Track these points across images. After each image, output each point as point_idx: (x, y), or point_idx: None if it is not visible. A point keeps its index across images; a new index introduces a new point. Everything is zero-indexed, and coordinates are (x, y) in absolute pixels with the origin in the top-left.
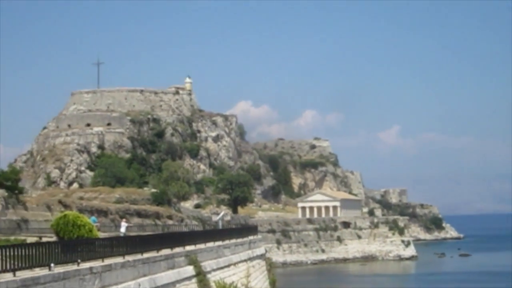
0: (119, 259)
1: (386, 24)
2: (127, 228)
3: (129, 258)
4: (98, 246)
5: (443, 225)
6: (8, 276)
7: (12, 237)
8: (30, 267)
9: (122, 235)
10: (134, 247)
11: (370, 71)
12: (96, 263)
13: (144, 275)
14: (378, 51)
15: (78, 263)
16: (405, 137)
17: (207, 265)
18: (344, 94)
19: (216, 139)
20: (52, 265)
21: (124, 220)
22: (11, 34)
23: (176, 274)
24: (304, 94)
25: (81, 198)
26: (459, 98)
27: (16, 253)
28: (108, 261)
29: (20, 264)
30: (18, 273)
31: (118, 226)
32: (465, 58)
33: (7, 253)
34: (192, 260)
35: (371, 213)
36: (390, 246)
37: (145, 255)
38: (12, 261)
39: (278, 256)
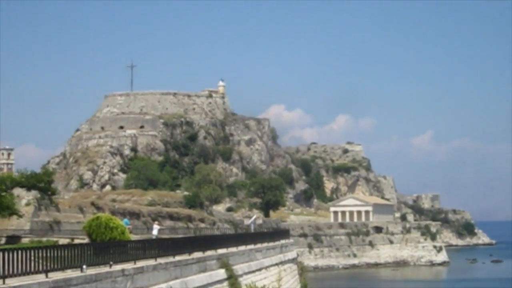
0: (151, 262)
1: (426, 29)
2: (159, 230)
3: (161, 260)
4: (130, 248)
5: (475, 231)
6: (41, 277)
7: (44, 239)
8: (62, 268)
9: (154, 237)
10: (166, 249)
11: (401, 77)
12: (128, 265)
13: (176, 278)
14: (408, 57)
15: (110, 265)
16: (438, 143)
17: (238, 268)
18: (378, 99)
19: (249, 142)
20: (84, 266)
21: (156, 222)
22: (46, 37)
23: (207, 277)
24: (338, 99)
25: (114, 201)
26: (492, 103)
27: (48, 254)
28: (140, 264)
29: (52, 266)
30: (50, 274)
31: (150, 229)
32: (497, 64)
33: (40, 254)
34: (224, 263)
35: (403, 218)
36: (422, 252)
37: (177, 258)
38: (44, 262)
39: (309, 260)
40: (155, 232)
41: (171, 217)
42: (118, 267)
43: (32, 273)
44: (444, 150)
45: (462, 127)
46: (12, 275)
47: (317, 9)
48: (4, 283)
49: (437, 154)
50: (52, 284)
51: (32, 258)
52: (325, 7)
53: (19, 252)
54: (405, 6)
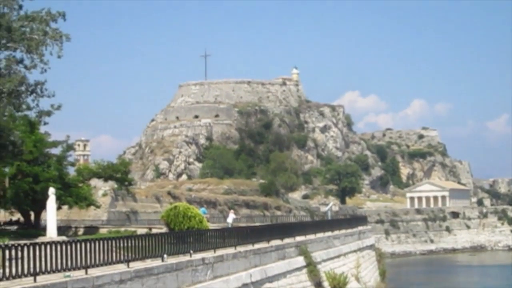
0: (230, 250)
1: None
2: (234, 219)
3: (240, 249)
4: (209, 237)
5: None
6: (122, 267)
7: (122, 229)
8: (143, 258)
9: (229, 225)
10: (245, 238)
11: (479, 60)
12: (208, 254)
13: (255, 266)
14: (486, 40)
15: (191, 254)
16: None
17: (317, 255)
18: (452, 83)
19: (324, 129)
20: (165, 256)
21: (232, 211)
22: (119, 27)
23: (286, 265)
24: (412, 83)
25: (190, 190)
26: None
27: (128, 244)
28: (219, 252)
29: (133, 255)
30: (131, 264)
31: (226, 217)
32: None
33: (120, 244)
34: (302, 250)
35: (479, 203)
36: (499, 236)
37: (256, 246)
38: (125, 252)
39: (386, 247)
40: (229, 220)
41: (247, 205)
42: (198, 256)
43: (114, 263)
44: None
45: None
46: (94, 265)
47: None
48: (86, 273)
49: None
50: (134, 273)
51: (113, 248)
52: None
53: (100, 242)
54: None
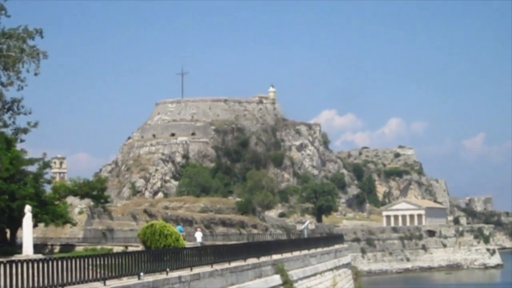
0: (207, 268)
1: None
2: (202, 237)
3: (217, 267)
4: (186, 255)
5: None
6: (99, 285)
7: (99, 247)
8: (119, 276)
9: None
10: (221, 256)
11: (455, 80)
12: (184, 272)
13: (232, 284)
14: (463, 60)
15: (167, 272)
16: (490, 145)
17: (293, 274)
18: (429, 102)
19: (300, 148)
20: (141, 274)
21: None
22: (96, 43)
23: (263, 283)
24: (389, 102)
25: (166, 208)
26: None
27: (105, 262)
28: (196, 270)
29: (109, 273)
30: (108, 282)
31: (203, 236)
32: None
33: (97, 262)
34: (279, 268)
35: (456, 221)
36: (475, 255)
37: (233, 264)
38: (101, 270)
39: (363, 265)
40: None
41: (223, 223)
42: (174, 274)
43: (90, 281)
44: (496, 152)
45: None
46: (71, 283)
47: (378, 11)
48: None
49: (489, 157)
50: None
51: (90, 266)
52: (383, 7)
53: (77, 260)
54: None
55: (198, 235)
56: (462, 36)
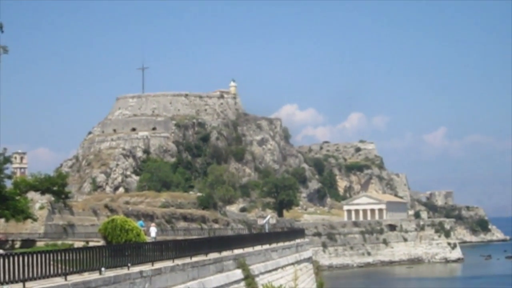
0: (168, 263)
1: (441, 26)
2: (157, 232)
3: (178, 262)
4: (147, 250)
5: (489, 227)
6: (60, 280)
7: (59, 242)
8: (80, 271)
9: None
10: (183, 251)
11: (414, 74)
12: (146, 267)
13: (193, 279)
14: (421, 53)
15: (128, 267)
16: (451, 139)
17: (255, 268)
18: (390, 97)
19: (261, 142)
20: (103, 269)
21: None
22: (56, 39)
23: (224, 278)
24: (350, 97)
25: (127, 203)
26: (505, 99)
27: (66, 257)
28: (157, 265)
29: (70, 269)
30: (69, 277)
31: (164, 230)
32: (507, 59)
33: (58, 258)
34: (240, 263)
35: (417, 215)
36: (436, 249)
37: (194, 259)
38: (62, 266)
39: (324, 259)
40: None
41: (185, 218)
42: (136, 269)
43: (51, 276)
44: (456, 147)
45: (474, 123)
46: (32, 279)
47: (325, 8)
48: (24, 286)
49: (450, 151)
50: (72, 287)
51: (51, 261)
52: (332, 6)
53: (38, 255)
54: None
55: (153, 230)
56: (420, 30)
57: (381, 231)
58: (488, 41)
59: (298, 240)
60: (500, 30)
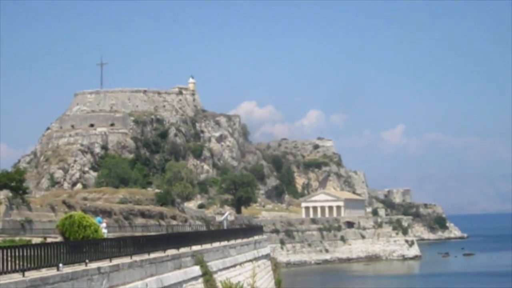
0: (126, 259)
1: (389, 24)
2: (106, 228)
3: (136, 258)
4: (105, 246)
5: (447, 224)
6: (17, 277)
7: (17, 238)
8: (38, 267)
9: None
10: (141, 247)
11: (373, 71)
12: (103, 263)
13: (152, 275)
14: (381, 51)
15: (86, 263)
16: (409, 137)
17: (213, 265)
18: (348, 94)
19: (220, 139)
20: (60, 265)
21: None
22: (14, 34)
23: (183, 274)
24: (308, 94)
25: (85, 199)
26: (463, 97)
27: (24, 253)
28: (115, 261)
29: (28, 265)
30: (26, 273)
31: (122, 227)
32: (468, 58)
33: (16, 254)
34: (198, 260)
35: (374, 213)
36: (394, 246)
37: (152, 256)
38: (20, 262)
39: (282, 256)
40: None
41: (142, 214)
42: (94, 265)
43: (9, 273)
44: (415, 144)
45: (433, 121)
46: None
47: (284, 5)
48: None
49: (408, 149)
50: (29, 283)
51: (8, 257)
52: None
53: None
54: None
55: (103, 227)
56: (379, 27)
57: (339, 228)
58: (447, 40)
59: (256, 237)
60: (458, 30)
